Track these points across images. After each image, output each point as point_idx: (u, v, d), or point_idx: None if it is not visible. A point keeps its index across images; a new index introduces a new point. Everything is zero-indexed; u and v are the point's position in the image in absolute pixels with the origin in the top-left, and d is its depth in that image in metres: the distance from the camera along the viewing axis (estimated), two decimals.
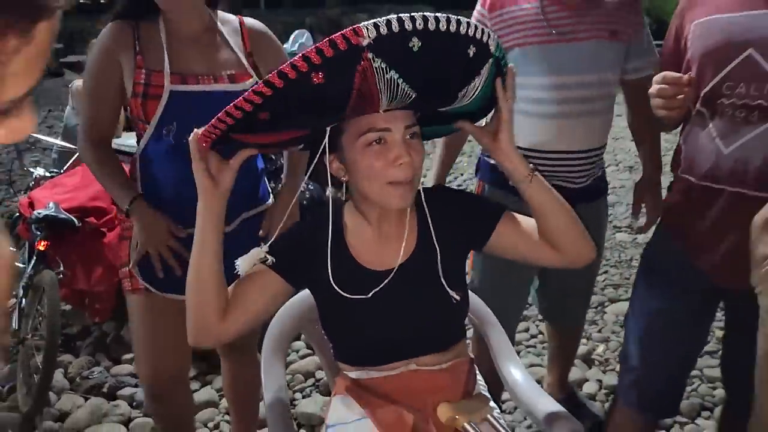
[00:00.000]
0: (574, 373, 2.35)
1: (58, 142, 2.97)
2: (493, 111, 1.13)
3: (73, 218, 2.31)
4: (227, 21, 1.54)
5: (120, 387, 2.34)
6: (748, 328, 1.19)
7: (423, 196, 1.14)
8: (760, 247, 1.09)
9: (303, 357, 2.49)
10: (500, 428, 1.15)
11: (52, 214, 2.27)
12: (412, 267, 1.14)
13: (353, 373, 1.19)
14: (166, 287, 1.53)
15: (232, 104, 0.91)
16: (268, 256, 1.07)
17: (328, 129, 1.03)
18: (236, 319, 1.06)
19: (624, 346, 1.55)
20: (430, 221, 1.14)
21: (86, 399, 2.27)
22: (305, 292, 1.32)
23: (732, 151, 1.25)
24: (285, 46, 6.36)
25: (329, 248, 1.10)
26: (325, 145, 1.03)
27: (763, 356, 1.14)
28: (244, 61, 1.49)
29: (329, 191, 1.10)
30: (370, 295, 1.10)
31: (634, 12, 1.65)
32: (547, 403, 1.21)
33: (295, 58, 0.85)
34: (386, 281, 1.11)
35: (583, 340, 2.62)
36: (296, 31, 6.33)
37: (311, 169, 1.11)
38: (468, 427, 1.09)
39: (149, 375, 1.58)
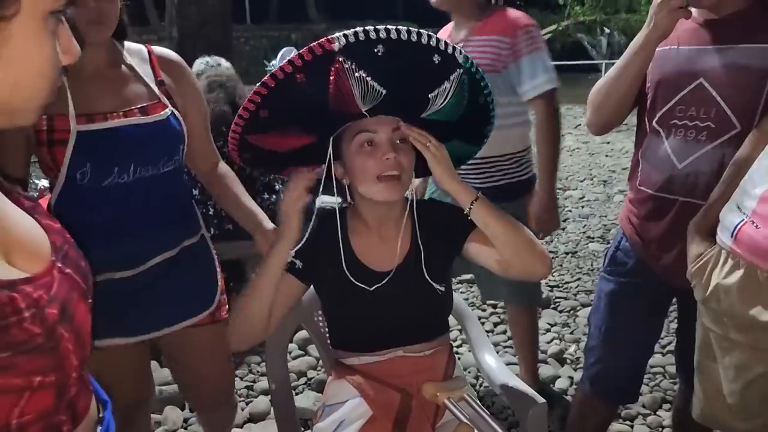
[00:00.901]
0: (548, 371, 2.54)
1: None
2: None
3: None
4: (134, 51, 1.44)
5: None
6: (696, 321, 1.38)
7: (415, 207, 1.33)
8: (693, 247, 1.29)
9: (296, 357, 2.65)
10: (475, 405, 1.33)
11: None
12: (405, 267, 1.32)
13: (348, 360, 1.36)
14: (102, 334, 1.38)
15: (240, 107, 1.13)
16: (295, 261, 1.26)
17: (331, 140, 1.24)
18: (273, 323, 1.26)
19: (588, 339, 1.74)
20: (417, 227, 1.33)
21: None
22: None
23: (684, 166, 1.44)
24: (273, 62, 6.57)
25: (342, 247, 1.29)
26: (330, 155, 1.24)
27: (700, 345, 1.33)
28: (156, 91, 1.40)
29: (320, 202, 1.28)
30: (372, 288, 1.29)
31: (510, 47, 1.95)
32: (516, 384, 1.39)
33: (283, 63, 1.08)
34: (386, 279, 1.30)
35: (556, 341, 2.82)
36: (284, 48, 6.52)
37: (321, 182, 1.28)
38: (447, 402, 1.27)
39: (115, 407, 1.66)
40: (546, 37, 13.15)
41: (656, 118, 1.48)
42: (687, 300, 1.58)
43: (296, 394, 2.42)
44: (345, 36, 1.04)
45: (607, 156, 6.62)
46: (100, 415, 0.74)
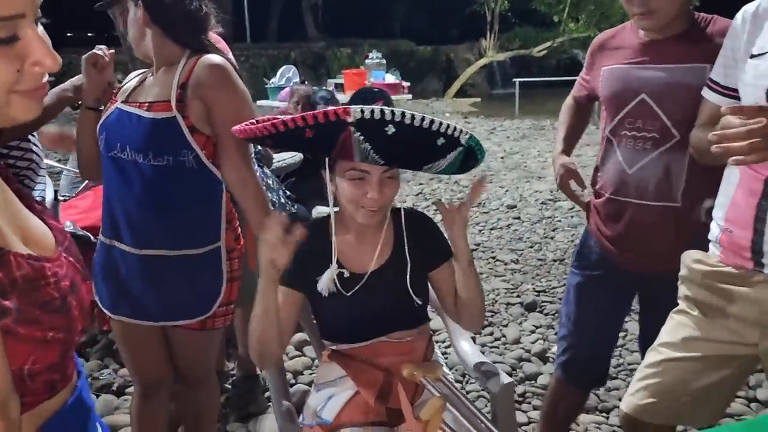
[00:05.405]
0: (531, 368, 2.70)
1: (68, 167, 3.27)
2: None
3: (89, 235, 2.60)
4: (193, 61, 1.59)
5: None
6: (657, 309, 1.54)
7: (403, 215, 1.47)
8: None
9: (292, 358, 2.80)
10: (450, 386, 1.47)
11: (71, 230, 2.56)
12: (386, 273, 1.45)
13: (336, 346, 1.52)
14: (112, 309, 1.66)
15: (251, 129, 1.27)
16: (288, 277, 1.35)
17: (327, 159, 1.36)
18: (288, 335, 1.39)
19: (559, 329, 1.89)
20: (405, 237, 1.46)
21: (98, 396, 2.55)
22: None
23: (634, 172, 1.61)
24: (273, 80, 6.77)
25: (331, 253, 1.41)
26: (327, 173, 1.37)
27: None
28: (172, 93, 1.54)
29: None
30: (349, 294, 1.41)
31: None
32: (487, 366, 1.54)
33: (297, 116, 1.19)
34: (362, 282, 1.42)
35: (540, 341, 2.97)
36: (284, 66, 6.73)
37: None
38: (424, 381, 1.42)
39: (137, 381, 1.80)
40: (541, 54, 13.29)
41: (609, 129, 1.65)
42: (648, 290, 1.74)
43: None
44: (362, 111, 1.12)
45: None
46: (77, 383, 0.86)
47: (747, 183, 1.26)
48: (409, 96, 7.63)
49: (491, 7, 15.62)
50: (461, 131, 1.21)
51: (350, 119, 1.14)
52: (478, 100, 15.27)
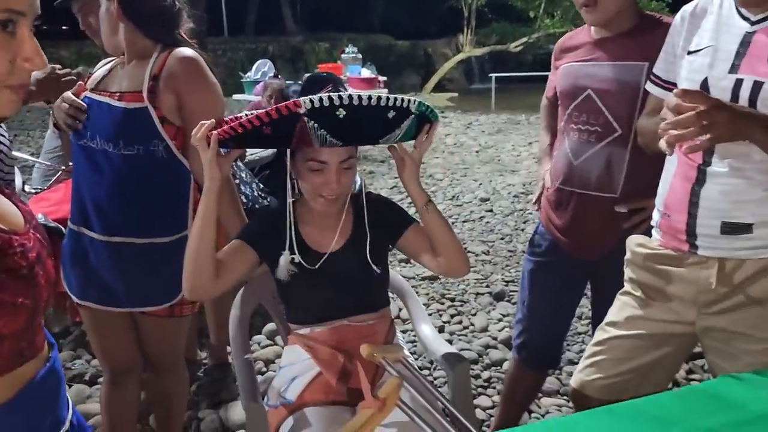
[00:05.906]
0: (497, 354, 2.78)
1: (41, 161, 3.28)
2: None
3: (60, 226, 2.61)
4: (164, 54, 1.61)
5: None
6: (606, 293, 1.63)
7: (364, 199, 1.53)
8: None
9: (264, 347, 2.85)
10: (410, 367, 1.54)
11: (43, 222, 2.57)
12: (346, 251, 1.52)
13: (300, 330, 1.58)
14: (80, 296, 1.71)
15: (215, 132, 1.29)
16: (255, 234, 1.47)
17: (288, 151, 1.43)
18: (225, 280, 1.42)
19: (516, 314, 1.97)
20: (366, 215, 1.53)
21: (70, 385, 2.58)
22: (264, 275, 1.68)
23: (579, 163, 1.70)
24: (248, 74, 6.77)
25: (292, 233, 1.48)
26: (287, 159, 1.44)
27: None
28: (144, 84, 1.56)
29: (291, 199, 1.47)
30: (316, 267, 1.48)
31: None
32: (446, 348, 1.61)
33: (253, 115, 1.24)
34: (326, 257, 1.50)
35: (507, 329, 3.05)
36: (259, 61, 6.76)
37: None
38: (383, 362, 1.48)
39: (106, 367, 1.84)
40: (518, 49, 13.46)
41: (561, 122, 1.74)
42: (597, 276, 1.83)
43: (262, 381, 2.62)
44: (311, 101, 1.17)
45: None
46: (50, 354, 0.90)
47: (683, 171, 1.34)
48: (385, 90, 7.69)
49: (468, 3, 15.73)
50: (410, 101, 1.26)
51: (302, 110, 1.20)
52: (456, 94, 15.36)
